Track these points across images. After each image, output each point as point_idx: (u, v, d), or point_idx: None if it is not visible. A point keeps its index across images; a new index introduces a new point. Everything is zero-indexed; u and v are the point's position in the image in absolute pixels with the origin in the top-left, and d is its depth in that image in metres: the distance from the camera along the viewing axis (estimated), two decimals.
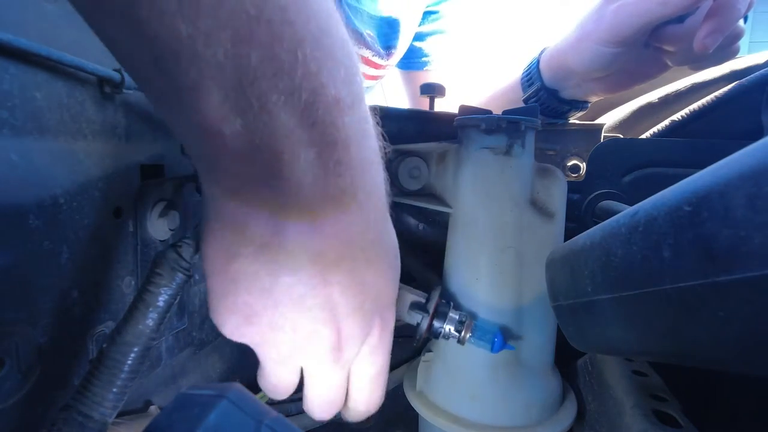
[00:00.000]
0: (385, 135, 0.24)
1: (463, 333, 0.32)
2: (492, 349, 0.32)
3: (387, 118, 0.45)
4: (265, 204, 0.21)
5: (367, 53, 0.78)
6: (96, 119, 0.26)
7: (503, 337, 0.33)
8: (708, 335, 0.17)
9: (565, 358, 0.43)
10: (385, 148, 0.25)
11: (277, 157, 0.19)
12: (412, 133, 0.44)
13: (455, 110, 0.41)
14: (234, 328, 0.25)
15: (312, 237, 0.22)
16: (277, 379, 0.28)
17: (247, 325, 0.24)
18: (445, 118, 0.44)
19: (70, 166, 0.24)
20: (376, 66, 0.83)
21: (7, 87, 0.21)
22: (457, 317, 0.33)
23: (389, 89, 1.10)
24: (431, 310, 0.33)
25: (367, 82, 0.86)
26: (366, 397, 0.30)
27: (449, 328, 0.32)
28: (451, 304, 0.34)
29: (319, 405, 0.29)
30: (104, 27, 0.17)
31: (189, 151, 0.22)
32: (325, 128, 0.19)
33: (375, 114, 0.23)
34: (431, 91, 0.48)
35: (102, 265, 0.27)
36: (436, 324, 0.32)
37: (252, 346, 0.26)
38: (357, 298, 0.24)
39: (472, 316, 0.35)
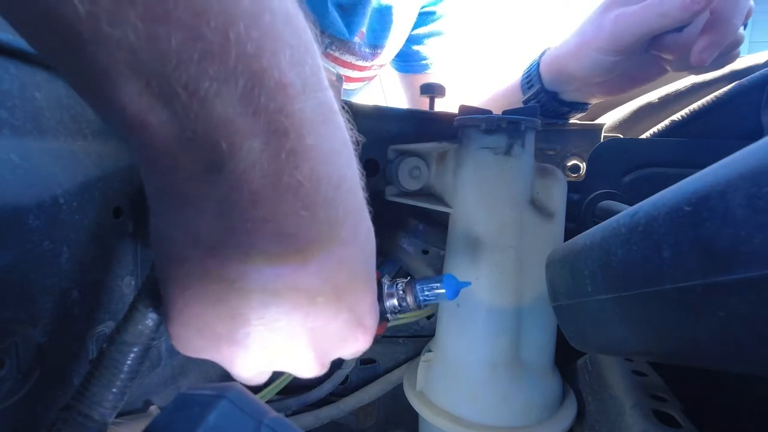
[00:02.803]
0: (353, 123, 0.22)
1: (407, 299, 0.29)
2: (447, 297, 0.29)
3: (387, 118, 0.45)
4: (209, 202, 0.18)
5: (351, 58, 0.77)
6: (96, 119, 0.26)
7: (454, 280, 0.29)
8: (708, 335, 0.17)
9: (565, 358, 0.43)
10: (356, 138, 0.22)
11: (215, 148, 0.16)
12: (412, 133, 0.44)
13: (455, 110, 0.41)
14: (186, 342, 0.21)
15: (268, 236, 0.19)
16: (250, 382, 0.25)
17: (200, 339, 0.21)
18: (445, 118, 0.44)
19: (70, 166, 0.24)
20: (361, 68, 0.81)
21: (7, 87, 0.21)
22: (394, 288, 0.29)
23: (389, 89, 1.09)
24: None
25: (352, 85, 0.85)
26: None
27: (392, 302, 0.29)
28: (385, 277, 0.30)
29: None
30: None
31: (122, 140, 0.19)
32: (270, 116, 0.17)
33: (340, 102, 0.21)
34: (431, 91, 0.48)
35: (102, 265, 0.27)
36: None
37: (214, 361, 0.22)
38: (332, 306, 0.21)
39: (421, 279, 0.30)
